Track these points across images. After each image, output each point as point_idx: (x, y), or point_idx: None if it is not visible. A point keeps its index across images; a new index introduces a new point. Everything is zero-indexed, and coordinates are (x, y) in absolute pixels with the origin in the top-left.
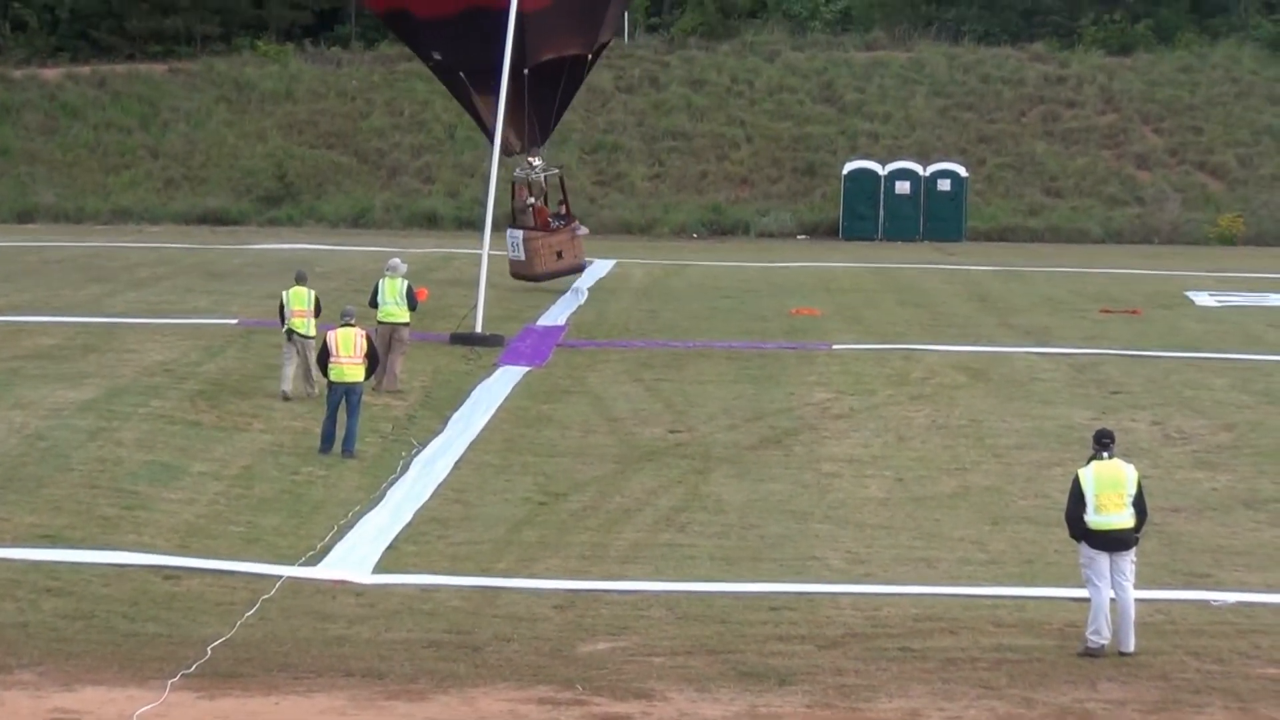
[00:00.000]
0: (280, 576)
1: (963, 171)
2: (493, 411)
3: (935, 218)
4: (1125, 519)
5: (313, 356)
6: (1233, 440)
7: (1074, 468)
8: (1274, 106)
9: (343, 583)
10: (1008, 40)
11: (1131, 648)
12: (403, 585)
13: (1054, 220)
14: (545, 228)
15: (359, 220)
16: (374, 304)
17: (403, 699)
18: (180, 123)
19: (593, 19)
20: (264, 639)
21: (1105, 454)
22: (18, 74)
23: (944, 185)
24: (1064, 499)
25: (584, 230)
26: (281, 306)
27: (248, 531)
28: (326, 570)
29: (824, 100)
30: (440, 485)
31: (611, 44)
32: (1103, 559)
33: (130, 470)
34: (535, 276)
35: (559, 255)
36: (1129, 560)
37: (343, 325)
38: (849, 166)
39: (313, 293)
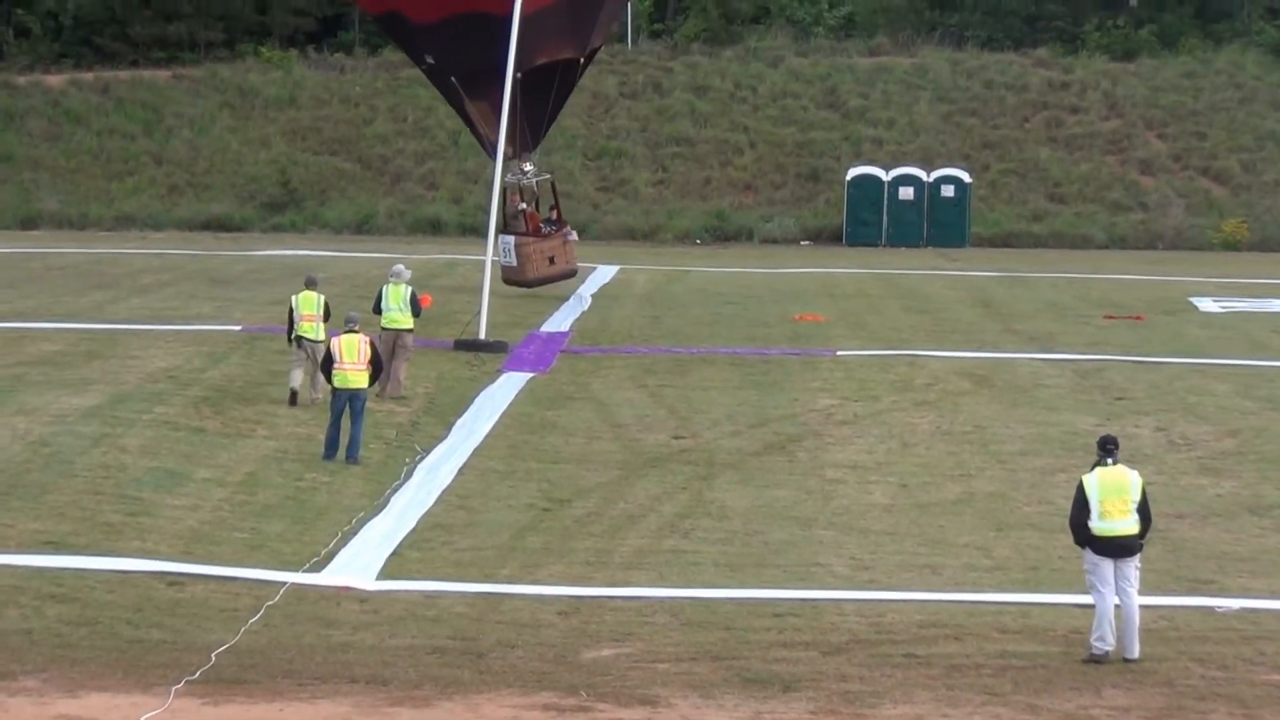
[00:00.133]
0: (284, 583)
1: (966, 177)
2: (496, 418)
3: (939, 224)
4: (1130, 525)
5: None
6: (1237, 446)
7: (1078, 474)
8: (1277, 112)
9: (347, 589)
10: (1011, 46)
11: (1136, 654)
12: (407, 591)
13: (1058, 226)
14: (537, 233)
15: (362, 226)
16: (378, 310)
17: (407, 705)
18: (184, 129)
19: (585, 23)
20: (268, 645)
21: (1109, 460)
22: (21, 80)
23: (948, 191)
24: (1068, 505)
25: (575, 235)
26: (290, 311)
27: (252, 538)
28: (330, 576)
29: (827, 106)
30: (444, 491)
31: (615, 50)
32: (1107, 565)
33: (134, 477)
34: (527, 282)
35: (551, 260)
36: (1133, 567)
37: (347, 332)
38: (852, 172)
39: (322, 297)
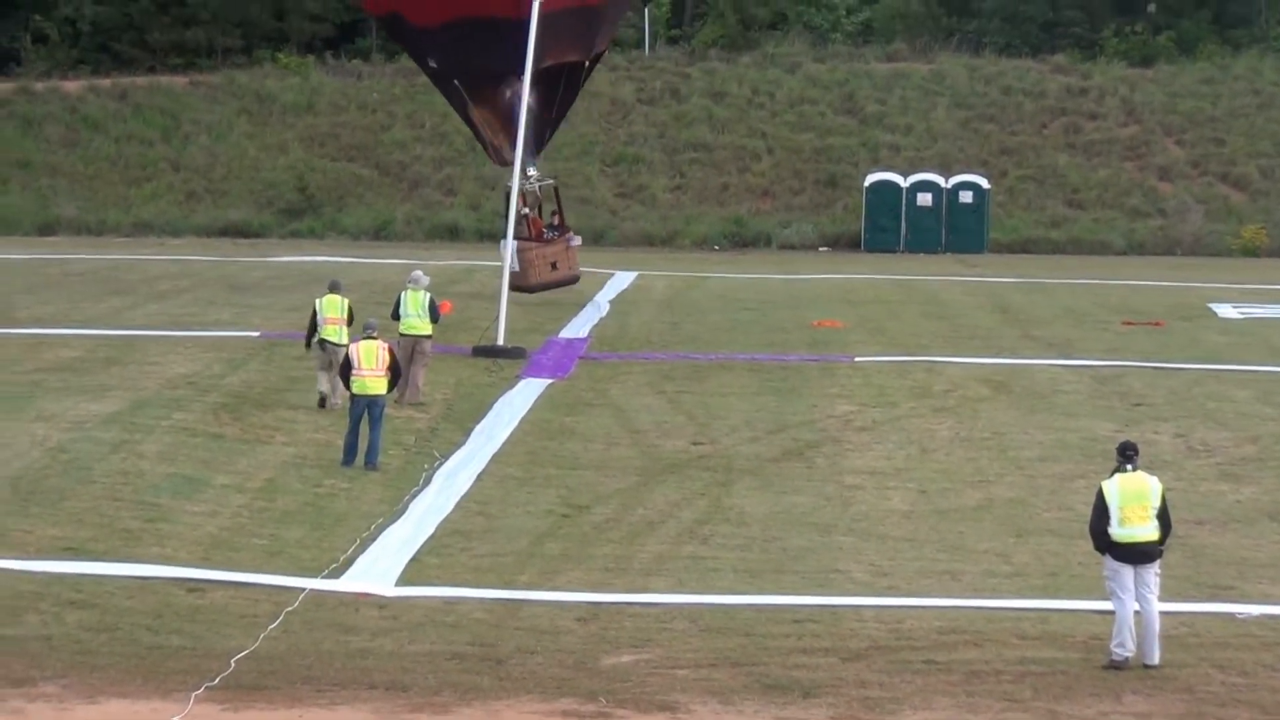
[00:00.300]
0: (303, 589)
1: (984, 183)
2: (515, 424)
3: (957, 230)
4: (1149, 531)
5: None
6: (1257, 452)
7: (1097, 480)
8: None
9: (366, 595)
10: (1029, 52)
11: (1156, 660)
12: (426, 598)
13: (1076, 232)
14: (539, 238)
15: (380, 233)
16: (396, 316)
17: (426, 712)
18: (201, 135)
19: (592, 26)
20: (287, 652)
21: (1129, 466)
22: (39, 86)
23: (966, 197)
24: (1087, 511)
25: (578, 241)
26: (313, 315)
27: (271, 544)
28: (349, 583)
29: (845, 112)
30: (463, 498)
31: (632, 56)
32: (1127, 571)
33: (153, 483)
34: (529, 288)
35: (553, 266)
36: (1153, 573)
37: (365, 338)
38: (870, 178)
39: (346, 301)
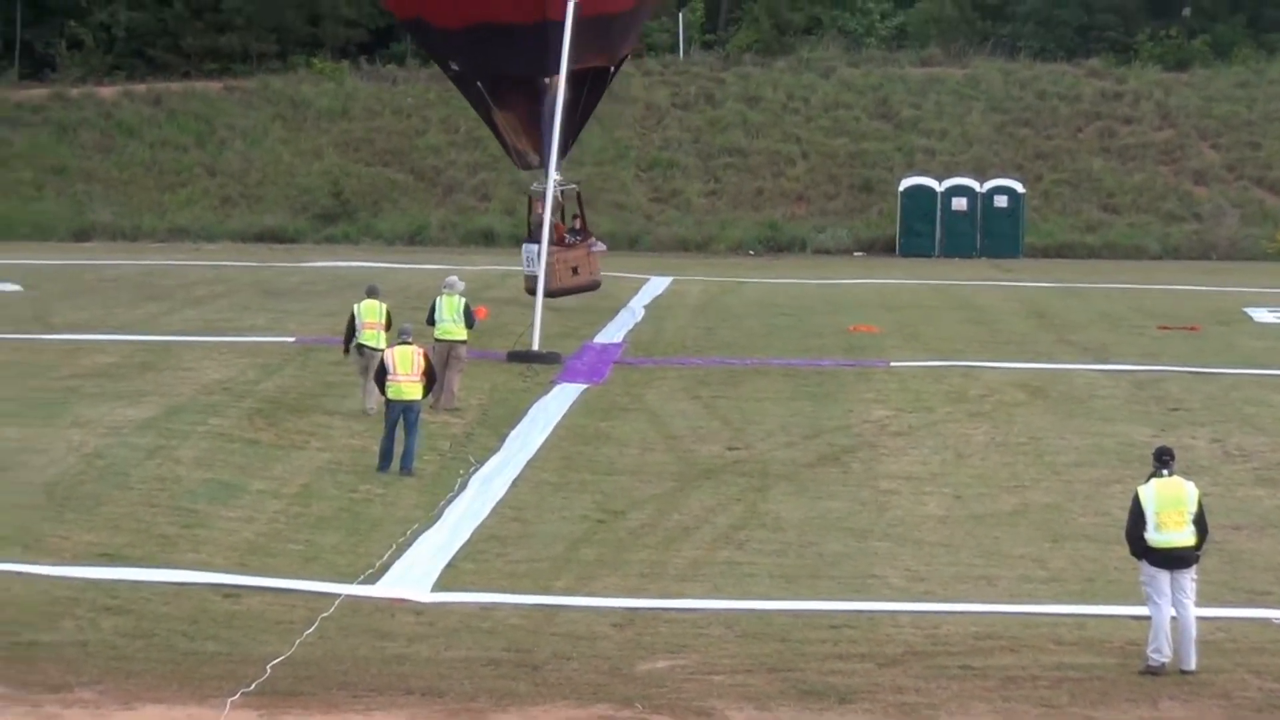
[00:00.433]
0: (339, 595)
1: (1020, 188)
2: (550, 429)
3: (992, 234)
4: (1186, 537)
5: None
6: None
7: (1134, 485)
8: None
9: (402, 601)
10: (1064, 56)
11: (1193, 666)
12: (461, 603)
13: (1111, 236)
14: (561, 243)
15: (415, 238)
16: (431, 321)
17: (463, 717)
18: (236, 140)
19: (617, 32)
20: (323, 657)
21: (1165, 471)
22: (74, 92)
23: (1001, 201)
24: (1124, 516)
25: (600, 247)
26: (351, 320)
27: (306, 550)
28: (385, 588)
29: (880, 116)
30: (498, 503)
31: (667, 61)
32: (1163, 577)
33: (189, 488)
34: (550, 293)
35: (574, 271)
36: (1190, 578)
37: (400, 343)
38: (905, 183)
39: (384, 305)
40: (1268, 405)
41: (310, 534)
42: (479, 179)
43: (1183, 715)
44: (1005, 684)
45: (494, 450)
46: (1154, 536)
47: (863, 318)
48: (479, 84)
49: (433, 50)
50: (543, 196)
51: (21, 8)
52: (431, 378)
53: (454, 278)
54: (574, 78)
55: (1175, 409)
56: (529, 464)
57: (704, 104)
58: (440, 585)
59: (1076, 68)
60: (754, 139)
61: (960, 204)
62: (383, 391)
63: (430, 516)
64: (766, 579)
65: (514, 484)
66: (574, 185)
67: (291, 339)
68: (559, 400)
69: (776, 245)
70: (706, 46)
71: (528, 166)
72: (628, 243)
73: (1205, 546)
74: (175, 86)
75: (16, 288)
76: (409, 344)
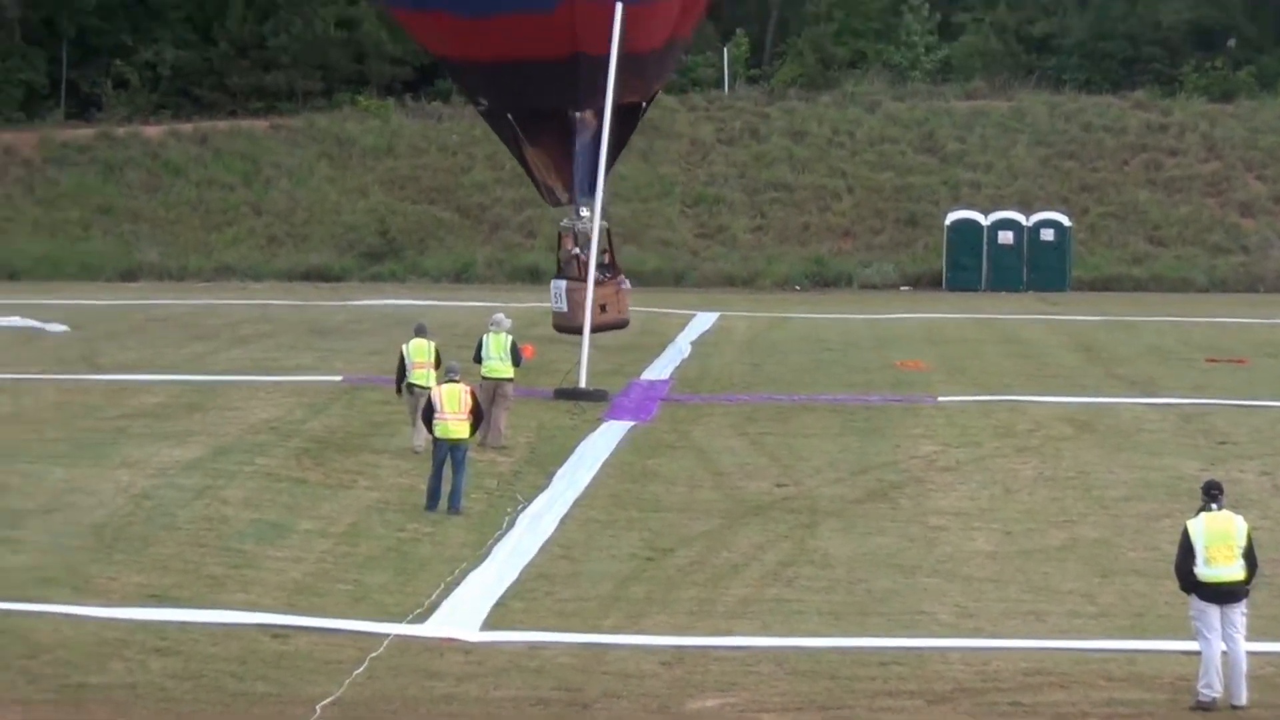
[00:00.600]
0: (388, 635)
1: (1066, 221)
2: (598, 467)
3: (1039, 268)
4: (1236, 571)
5: None
6: None
7: (1183, 519)
8: None
9: (450, 640)
10: (1109, 88)
11: (1244, 701)
12: (510, 642)
13: (1158, 269)
14: None
15: (461, 275)
16: (478, 359)
17: None
18: (282, 179)
19: (649, 67)
20: (372, 698)
21: (1214, 505)
22: (120, 132)
23: (1047, 235)
24: (1173, 551)
25: (628, 285)
26: (401, 360)
27: (355, 589)
28: (434, 628)
29: (925, 150)
30: (547, 541)
31: (712, 96)
32: (1213, 611)
33: (237, 529)
34: (577, 329)
35: (603, 308)
36: (1240, 612)
37: (447, 382)
38: (951, 217)
39: (433, 344)
40: None
41: (358, 573)
42: (525, 216)
43: None
44: None
45: (542, 488)
46: (1203, 571)
47: (910, 353)
48: (509, 117)
49: (464, 84)
50: (571, 232)
51: (67, 48)
52: (479, 416)
53: (500, 315)
54: (604, 113)
55: (1223, 442)
56: (577, 502)
57: (749, 139)
58: (489, 624)
59: (1122, 100)
60: (799, 174)
61: (1006, 238)
62: (430, 430)
63: (478, 555)
64: (815, 616)
65: (562, 522)
66: (603, 222)
67: (338, 378)
68: (606, 438)
69: (823, 280)
70: (751, 81)
71: (557, 203)
72: (673, 279)
73: (1255, 580)
74: (221, 125)
75: (64, 328)
76: (456, 382)
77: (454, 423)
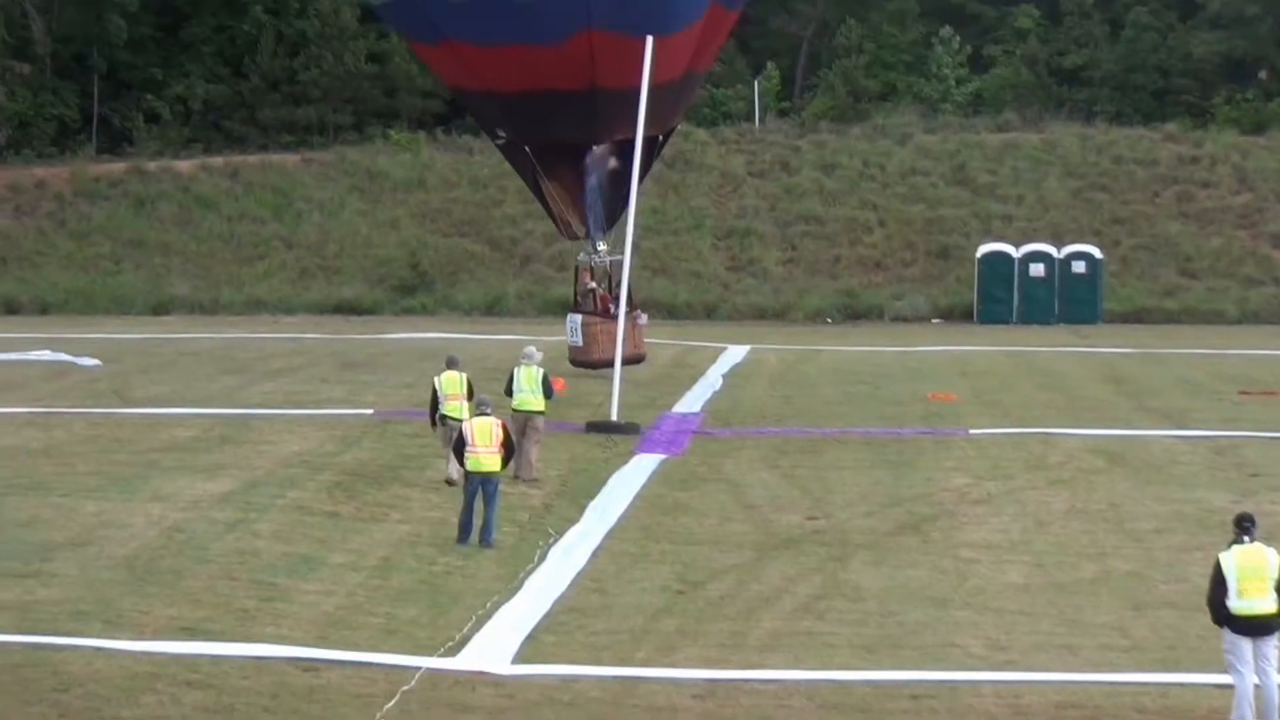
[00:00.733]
0: (419, 668)
1: (1097, 253)
2: (630, 500)
3: (1070, 300)
4: (1269, 604)
5: None
6: None
7: (1215, 552)
8: None
9: (482, 674)
10: (1140, 121)
11: None
12: (542, 676)
13: (1190, 301)
14: (605, 314)
15: (493, 308)
16: (509, 392)
17: None
18: (314, 213)
19: (666, 101)
20: None
21: (1246, 538)
22: (152, 166)
23: (1079, 267)
24: (1205, 584)
25: (645, 319)
26: (434, 393)
27: (386, 623)
28: (466, 661)
29: (956, 183)
30: (578, 574)
31: (743, 129)
32: (1246, 645)
33: (269, 562)
34: (593, 364)
35: None
36: (1273, 646)
37: (478, 415)
38: (983, 249)
39: (465, 376)
40: None
41: (390, 607)
42: (555, 249)
43: None
44: None
45: (573, 521)
46: (1236, 604)
47: (941, 385)
48: (526, 149)
49: (483, 117)
50: (588, 266)
51: (99, 83)
52: (510, 449)
53: (532, 348)
54: (621, 147)
55: (1256, 475)
56: (608, 535)
57: (780, 172)
58: (521, 658)
59: (1153, 132)
60: (830, 206)
61: (1038, 270)
62: (461, 464)
63: (510, 588)
64: (847, 649)
65: (594, 555)
66: (621, 257)
67: (370, 411)
68: (638, 471)
69: (854, 313)
70: (782, 114)
71: (574, 237)
72: (705, 311)
73: None
74: (252, 159)
75: (96, 363)
76: (488, 415)
77: (486, 456)
